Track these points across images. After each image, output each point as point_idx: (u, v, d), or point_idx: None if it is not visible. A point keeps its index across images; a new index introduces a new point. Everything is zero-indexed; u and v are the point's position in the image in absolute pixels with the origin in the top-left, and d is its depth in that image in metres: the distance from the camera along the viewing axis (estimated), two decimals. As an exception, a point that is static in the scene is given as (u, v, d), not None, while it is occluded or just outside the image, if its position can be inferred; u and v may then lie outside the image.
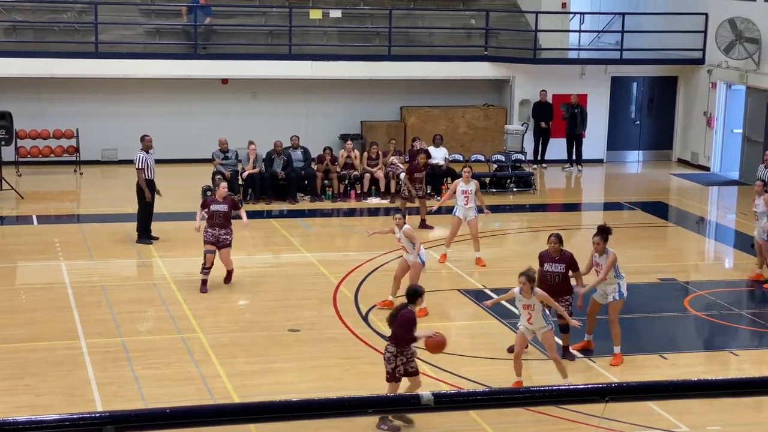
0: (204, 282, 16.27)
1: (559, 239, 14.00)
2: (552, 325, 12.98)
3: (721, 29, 25.08)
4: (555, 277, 13.80)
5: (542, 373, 13.54)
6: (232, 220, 16.44)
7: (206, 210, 16.35)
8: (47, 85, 24.89)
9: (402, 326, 11.65)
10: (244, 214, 16.70)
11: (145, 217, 18.83)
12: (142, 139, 19.05)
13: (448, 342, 12.18)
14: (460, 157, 24.27)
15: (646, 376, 13.34)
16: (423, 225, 20.16)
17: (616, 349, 13.84)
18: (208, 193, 21.89)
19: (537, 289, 12.81)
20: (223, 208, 16.25)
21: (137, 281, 17.19)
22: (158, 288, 16.48)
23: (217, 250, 16.23)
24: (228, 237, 16.29)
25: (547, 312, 13.01)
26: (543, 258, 14.07)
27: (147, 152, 18.82)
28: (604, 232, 13.90)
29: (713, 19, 25.95)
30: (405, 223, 15.16)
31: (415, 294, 12.02)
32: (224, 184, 16.93)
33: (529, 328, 12.89)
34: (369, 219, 21.82)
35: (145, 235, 18.79)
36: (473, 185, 18.14)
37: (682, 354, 14.63)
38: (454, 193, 18.24)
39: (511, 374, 12.99)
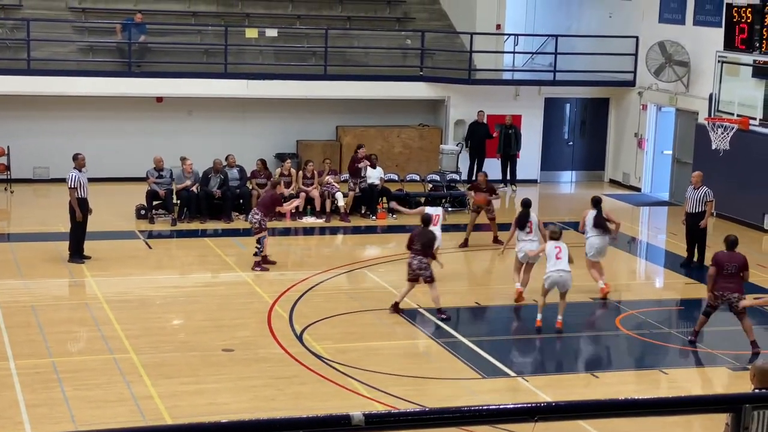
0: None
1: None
2: None
3: (651, 52, 25.51)
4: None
5: (478, 393, 13.63)
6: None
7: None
8: (-22, 102, 24.58)
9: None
10: None
11: (77, 236, 18.64)
12: (75, 157, 18.87)
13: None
14: (396, 177, 24.37)
15: (577, 395, 13.48)
16: (496, 240, 20.89)
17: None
18: (143, 212, 21.78)
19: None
20: None
21: (69, 301, 17.01)
22: (90, 308, 16.31)
23: None
24: None
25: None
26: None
27: (80, 171, 18.65)
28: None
29: (644, 42, 26.39)
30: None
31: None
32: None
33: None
34: (304, 238, 21.81)
35: (77, 255, 18.60)
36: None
37: (613, 372, 14.82)
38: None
39: (444, 391, 13.05)
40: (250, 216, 19.09)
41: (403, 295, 16.26)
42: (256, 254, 18.60)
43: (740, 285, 14.92)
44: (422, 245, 16.15)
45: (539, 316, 15.82)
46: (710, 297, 15.09)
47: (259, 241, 18.50)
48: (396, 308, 16.28)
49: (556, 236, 16.09)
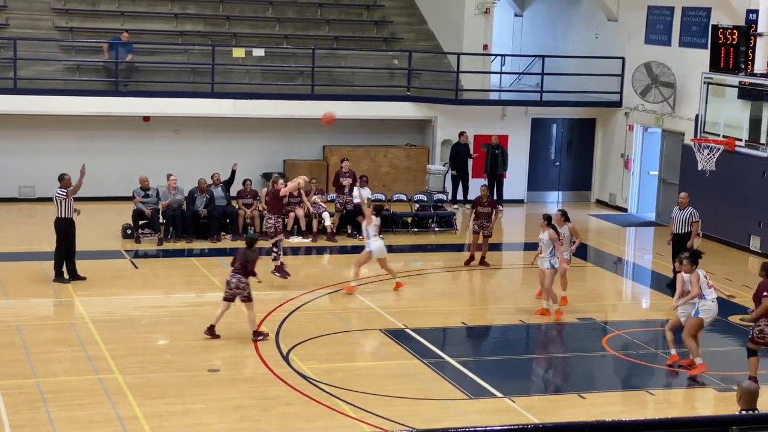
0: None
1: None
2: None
3: (637, 73, 25.61)
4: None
5: (465, 413, 13.59)
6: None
7: None
8: (-36, 121, 24.51)
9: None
10: None
11: (63, 255, 18.55)
12: (61, 178, 18.79)
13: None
14: (383, 197, 24.37)
15: (564, 416, 13.47)
16: (482, 262, 20.66)
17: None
18: (129, 231, 21.70)
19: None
20: None
21: (54, 321, 16.92)
22: (75, 328, 16.23)
23: None
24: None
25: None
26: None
27: (66, 190, 18.61)
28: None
29: (630, 63, 26.50)
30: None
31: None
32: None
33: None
34: (291, 258, 21.75)
35: (62, 275, 18.50)
36: (546, 234, 17.55)
37: (600, 393, 14.79)
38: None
39: (431, 412, 13.01)
40: (264, 222, 19.61)
41: (218, 316, 15.85)
42: (275, 259, 18.83)
43: None
44: (242, 264, 15.89)
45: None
46: (763, 331, 14.24)
47: (276, 245, 18.77)
48: (211, 331, 15.83)
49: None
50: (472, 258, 20.74)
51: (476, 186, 26.32)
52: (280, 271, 18.81)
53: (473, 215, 20.55)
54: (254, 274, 16.06)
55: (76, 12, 27.15)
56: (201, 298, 18.50)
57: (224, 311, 15.88)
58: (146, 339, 15.98)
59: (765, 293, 14.26)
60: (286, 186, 19.22)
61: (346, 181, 22.70)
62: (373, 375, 14.77)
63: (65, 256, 18.60)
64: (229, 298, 15.85)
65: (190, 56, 26.71)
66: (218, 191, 22.42)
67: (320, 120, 18.47)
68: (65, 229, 18.50)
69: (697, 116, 23.76)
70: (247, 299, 15.88)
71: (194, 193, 22.13)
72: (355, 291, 18.55)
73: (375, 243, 18.64)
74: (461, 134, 26.38)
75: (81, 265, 18.94)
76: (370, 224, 18.68)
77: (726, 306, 18.46)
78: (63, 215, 18.46)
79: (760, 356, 14.56)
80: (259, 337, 15.85)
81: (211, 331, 15.89)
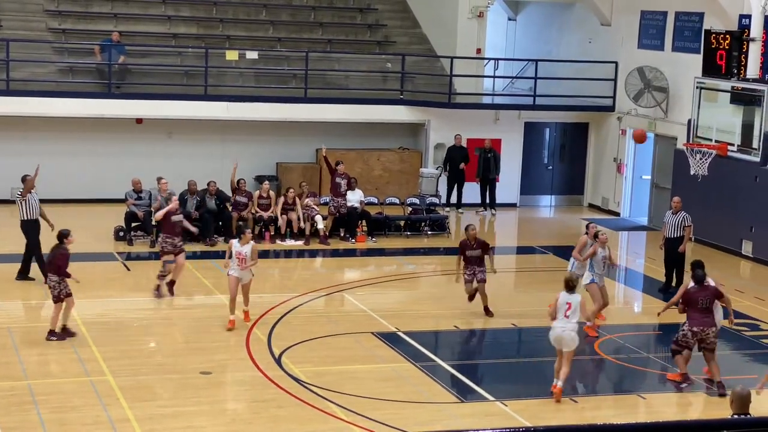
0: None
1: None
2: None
3: (630, 77, 25.64)
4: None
5: (456, 417, 13.59)
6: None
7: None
8: (-44, 122, 24.46)
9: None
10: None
11: (30, 255, 18.57)
12: (24, 179, 18.76)
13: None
14: (375, 200, 24.37)
15: (556, 420, 13.48)
16: (486, 312, 17.64)
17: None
18: (121, 233, 21.67)
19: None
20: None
21: (45, 323, 16.85)
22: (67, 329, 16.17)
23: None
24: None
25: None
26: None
27: (30, 193, 18.59)
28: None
29: (623, 68, 26.54)
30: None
31: None
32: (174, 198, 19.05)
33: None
34: (283, 261, 21.76)
35: (24, 274, 18.59)
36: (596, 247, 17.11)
37: (592, 397, 14.81)
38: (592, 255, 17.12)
39: (423, 416, 13.01)
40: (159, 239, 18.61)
41: (61, 318, 15.71)
42: (159, 276, 18.02)
43: (714, 319, 14.74)
44: (49, 262, 15.83)
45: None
46: (681, 335, 14.72)
47: (164, 264, 18.00)
48: (64, 331, 15.68)
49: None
50: (472, 298, 17.83)
51: (470, 190, 26.41)
52: (157, 289, 18.00)
53: (461, 261, 17.58)
54: (66, 275, 15.65)
55: (69, 14, 27.11)
56: (192, 300, 18.47)
57: (58, 312, 15.64)
58: (138, 341, 15.96)
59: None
60: (176, 213, 18.40)
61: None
62: (365, 378, 14.77)
63: (26, 255, 18.61)
64: (57, 300, 15.63)
65: (183, 59, 26.69)
66: (211, 203, 22.22)
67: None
68: (26, 230, 18.47)
69: (689, 121, 23.79)
70: (57, 299, 15.59)
71: (184, 195, 22.08)
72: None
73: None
74: (456, 137, 26.37)
75: (74, 267, 18.84)
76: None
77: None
78: (24, 217, 18.47)
79: (716, 355, 14.70)
80: (53, 338, 15.57)
81: (54, 334, 15.61)
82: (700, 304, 14.60)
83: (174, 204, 18.48)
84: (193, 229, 20.18)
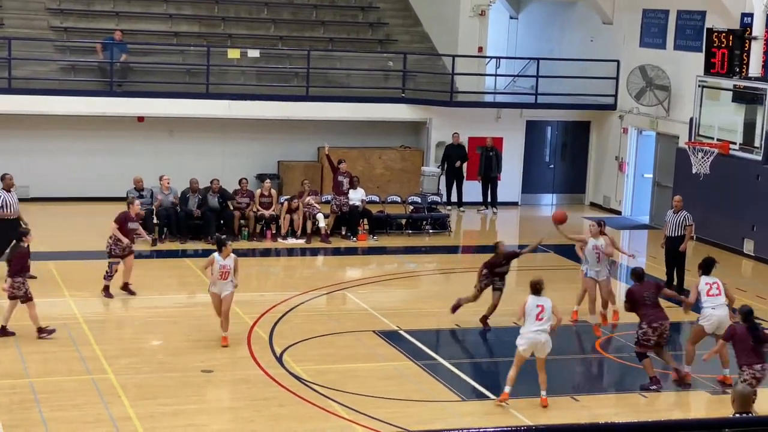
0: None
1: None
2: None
3: (632, 76, 25.63)
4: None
5: (458, 415, 13.59)
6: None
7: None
8: (-42, 121, 24.47)
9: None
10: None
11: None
12: (2, 177, 18.70)
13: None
14: (377, 198, 24.37)
15: (557, 418, 13.48)
16: (483, 321, 17.13)
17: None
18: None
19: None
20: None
21: (46, 321, 16.84)
22: (68, 328, 16.19)
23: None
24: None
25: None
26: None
27: (8, 191, 18.51)
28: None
29: (625, 66, 26.52)
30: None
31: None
32: (138, 201, 18.45)
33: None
34: (285, 259, 21.77)
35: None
36: (603, 240, 17.17)
37: (593, 396, 14.81)
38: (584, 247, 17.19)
39: (424, 414, 13.01)
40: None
41: (6, 317, 15.66)
42: (106, 277, 17.80)
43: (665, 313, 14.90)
44: (8, 261, 15.74)
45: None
46: (641, 334, 14.72)
47: (109, 266, 17.79)
48: (2, 331, 15.61)
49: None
50: (486, 317, 17.16)
51: (470, 188, 26.39)
52: (106, 290, 17.80)
53: (486, 274, 17.03)
54: (23, 274, 15.58)
55: (71, 12, 27.11)
56: (194, 299, 18.48)
57: (12, 309, 15.63)
58: (139, 340, 15.97)
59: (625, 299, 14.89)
60: (134, 220, 18.14)
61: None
62: (366, 376, 14.77)
63: None
64: (12, 298, 15.60)
65: (185, 57, 26.68)
66: (213, 201, 22.23)
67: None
68: (9, 229, 18.08)
69: (691, 119, 23.78)
70: (24, 299, 15.53)
71: (186, 193, 22.08)
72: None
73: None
74: (454, 135, 26.37)
75: (74, 266, 18.92)
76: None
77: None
78: (6, 216, 18.27)
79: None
80: (44, 335, 15.57)
81: (43, 330, 15.60)
82: (646, 300, 14.72)
83: (136, 208, 18.21)
84: (147, 237, 20.00)
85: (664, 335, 14.76)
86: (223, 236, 17.91)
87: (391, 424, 13.00)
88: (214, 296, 15.72)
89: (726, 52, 22.56)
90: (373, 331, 16.67)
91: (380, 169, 26.89)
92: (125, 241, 17.69)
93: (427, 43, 29.31)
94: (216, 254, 15.72)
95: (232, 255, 15.76)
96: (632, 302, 14.77)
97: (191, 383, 14.19)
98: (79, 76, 25.76)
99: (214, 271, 15.60)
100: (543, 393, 13.90)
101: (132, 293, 17.94)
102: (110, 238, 17.85)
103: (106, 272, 17.77)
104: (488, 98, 28.74)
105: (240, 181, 22.67)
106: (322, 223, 22.51)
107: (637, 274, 14.94)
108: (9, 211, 18.33)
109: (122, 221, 17.87)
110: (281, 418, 13.18)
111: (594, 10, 27.80)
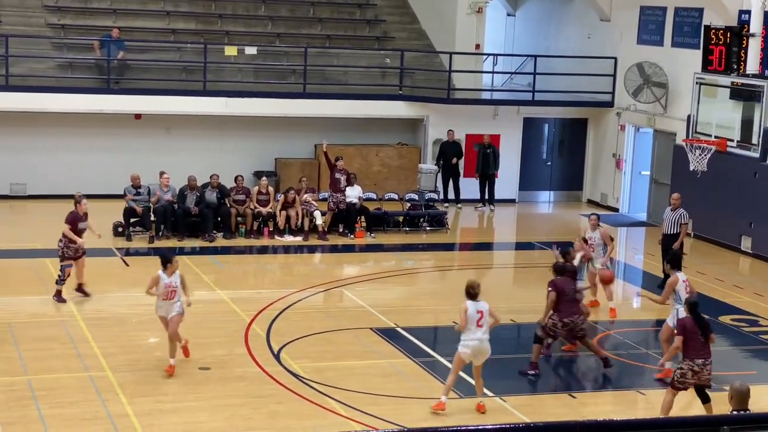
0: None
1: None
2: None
3: (629, 73, 25.64)
4: None
5: (456, 413, 13.58)
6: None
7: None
8: (-45, 118, 24.44)
9: None
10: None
11: None
12: None
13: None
14: (374, 196, 24.37)
15: (555, 416, 13.48)
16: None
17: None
18: (120, 229, 21.64)
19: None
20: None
21: (45, 318, 16.87)
22: (66, 325, 16.20)
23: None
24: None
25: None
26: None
27: None
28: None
29: (622, 64, 26.53)
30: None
31: None
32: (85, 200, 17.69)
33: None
34: (283, 256, 21.78)
35: None
36: (597, 233, 17.72)
37: (591, 393, 14.82)
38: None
39: (422, 411, 13.01)
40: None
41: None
42: (58, 282, 17.34)
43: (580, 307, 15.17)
44: None
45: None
46: (550, 324, 14.84)
47: (62, 269, 17.25)
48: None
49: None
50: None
51: (467, 185, 26.40)
52: (58, 295, 17.31)
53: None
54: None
55: (68, 9, 27.10)
56: (192, 296, 18.42)
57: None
58: (137, 337, 15.96)
59: (549, 288, 14.87)
60: (83, 220, 17.48)
61: (340, 176, 21.97)
62: (364, 374, 14.77)
63: None
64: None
65: (182, 54, 26.68)
66: (211, 197, 22.21)
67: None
68: None
69: (689, 116, 23.79)
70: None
71: (184, 191, 22.07)
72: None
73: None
74: (449, 132, 26.37)
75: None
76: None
77: (718, 307, 18.56)
78: None
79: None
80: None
81: None
82: (567, 295, 14.84)
83: (83, 207, 17.46)
84: (97, 233, 18.26)
85: (575, 331, 14.95)
86: (169, 252, 16.52)
87: (388, 421, 13.00)
88: (162, 320, 14.52)
89: (723, 49, 22.58)
90: (371, 329, 16.68)
91: (377, 166, 26.89)
92: (79, 241, 17.22)
93: (425, 40, 29.31)
94: (160, 272, 14.33)
95: (178, 272, 14.45)
96: (557, 293, 14.82)
97: (189, 380, 14.18)
98: (77, 73, 25.74)
99: (159, 290, 14.30)
100: (480, 399, 13.60)
101: (87, 294, 17.54)
102: (61, 240, 17.24)
103: (59, 276, 17.27)
104: (485, 95, 28.75)
105: (236, 178, 22.67)
106: (319, 220, 22.51)
107: (557, 269, 15.12)
108: None
109: (73, 221, 17.32)
110: (279, 416, 13.18)
111: (591, 7, 27.81)
